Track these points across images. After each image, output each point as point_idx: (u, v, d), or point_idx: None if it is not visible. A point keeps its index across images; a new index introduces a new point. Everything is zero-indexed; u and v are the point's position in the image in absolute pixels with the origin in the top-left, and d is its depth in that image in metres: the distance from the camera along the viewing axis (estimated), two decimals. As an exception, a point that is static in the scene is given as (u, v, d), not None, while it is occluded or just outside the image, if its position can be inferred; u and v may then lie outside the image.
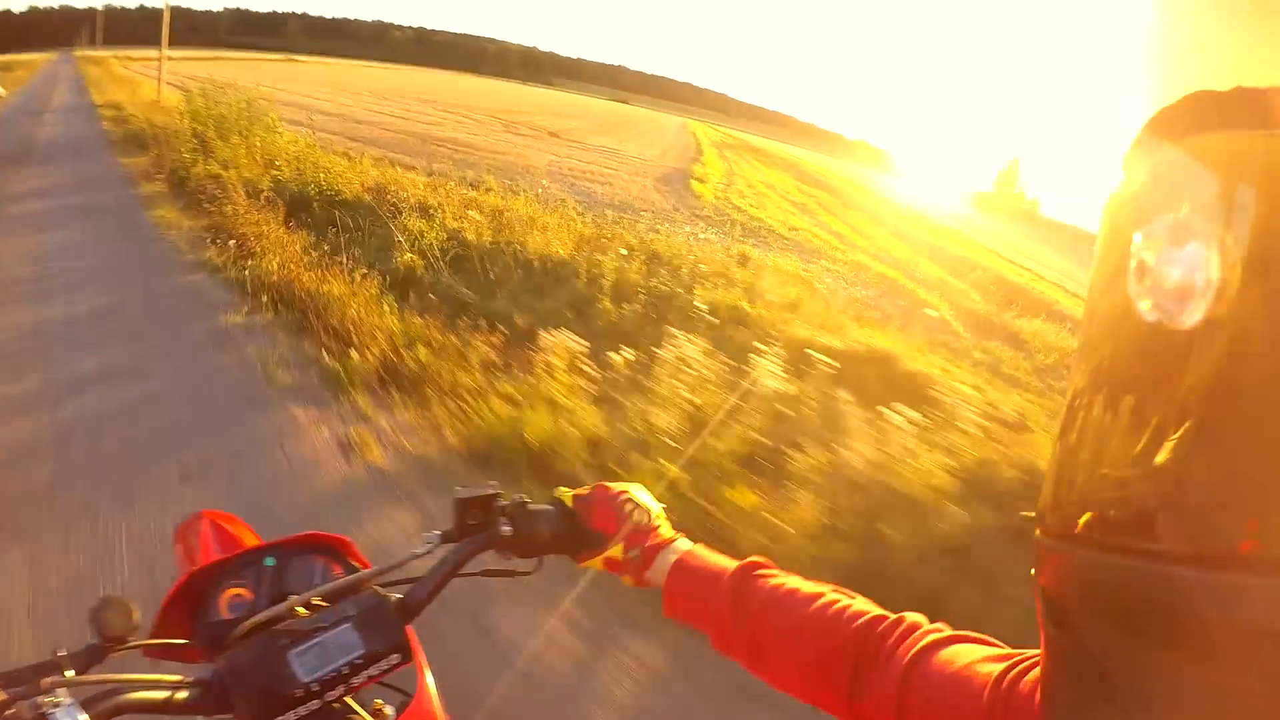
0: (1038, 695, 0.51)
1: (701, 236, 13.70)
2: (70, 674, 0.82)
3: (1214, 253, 0.29)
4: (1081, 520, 0.36)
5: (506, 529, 1.05)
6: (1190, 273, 0.30)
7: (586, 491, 1.09)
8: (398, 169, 13.16)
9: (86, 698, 0.76)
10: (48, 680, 0.77)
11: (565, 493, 1.11)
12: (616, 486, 1.09)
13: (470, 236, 8.02)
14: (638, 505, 1.05)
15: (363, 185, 10.10)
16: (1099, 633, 0.35)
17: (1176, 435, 0.30)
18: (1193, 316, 0.30)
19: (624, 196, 18.13)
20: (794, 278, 11.24)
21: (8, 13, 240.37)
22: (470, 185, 12.86)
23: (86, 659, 0.87)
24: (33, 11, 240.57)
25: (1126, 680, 0.33)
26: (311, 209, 8.67)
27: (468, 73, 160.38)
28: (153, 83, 28.23)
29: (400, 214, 8.52)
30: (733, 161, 40.89)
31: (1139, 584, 0.32)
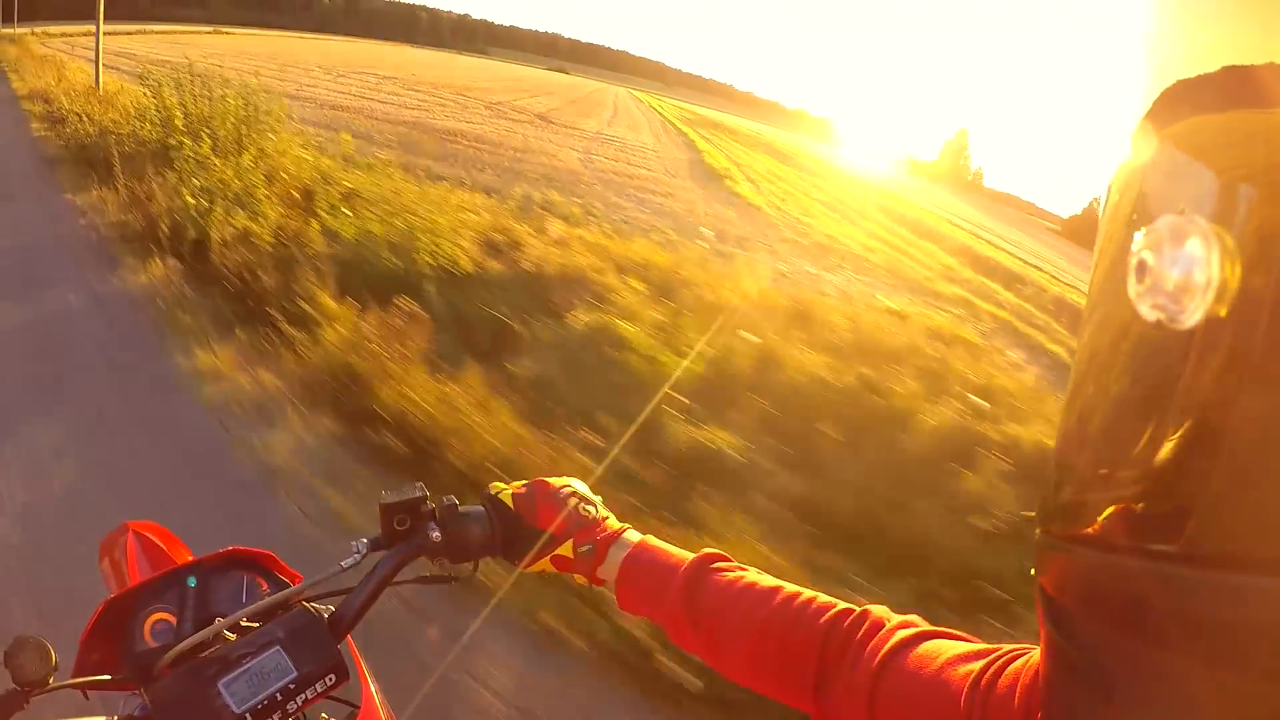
0: (1017, 694, 0.55)
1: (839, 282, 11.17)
2: None
3: (1213, 252, 0.28)
4: (1082, 520, 0.35)
5: (436, 534, 0.98)
6: (1189, 272, 0.29)
7: (524, 489, 1.03)
8: (445, 187, 9.78)
9: None
10: None
11: (501, 489, 1.04)
12: (556, 481, 1.04)
13: (739, 361, 4.97)
14: (582, 498, 1.01)
15: (471, 235, 6.74)
16: (1099, 633, 0.35)
17: (1176, 435, 0.30)
18: (1193, 316, 0.29)
19: (701, 215, 15.40)
20: (958, 338, 9.20)
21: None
22: (552, 212, 9.94)
23: (6, 706, 0.84)
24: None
25: (1126, 680, 0.33)
26: (426, 297, 5.25)
27: (404, 43, 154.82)
28: (82, 63, 24.14)
29: (552, 293, 5.58)
30: (720, 145, 39.61)
31: (1139, 584, 0.32)
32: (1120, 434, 0.33)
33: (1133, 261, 0.32)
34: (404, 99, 27.42)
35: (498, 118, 27.24)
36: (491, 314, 5.16)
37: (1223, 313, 0.28)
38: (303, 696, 0.91)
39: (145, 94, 11.12)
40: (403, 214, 6.93)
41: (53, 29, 44.61)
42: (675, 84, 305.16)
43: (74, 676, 0.95)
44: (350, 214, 6.61)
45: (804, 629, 0.75)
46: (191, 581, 1.04)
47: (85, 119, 12.32)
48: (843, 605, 0.77)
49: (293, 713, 0.90)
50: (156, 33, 58.83)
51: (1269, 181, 0.28)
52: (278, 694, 0.89)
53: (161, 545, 1.41)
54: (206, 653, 0.91)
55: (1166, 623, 0.31)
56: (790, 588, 0.82)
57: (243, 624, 0.96)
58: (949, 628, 0.70)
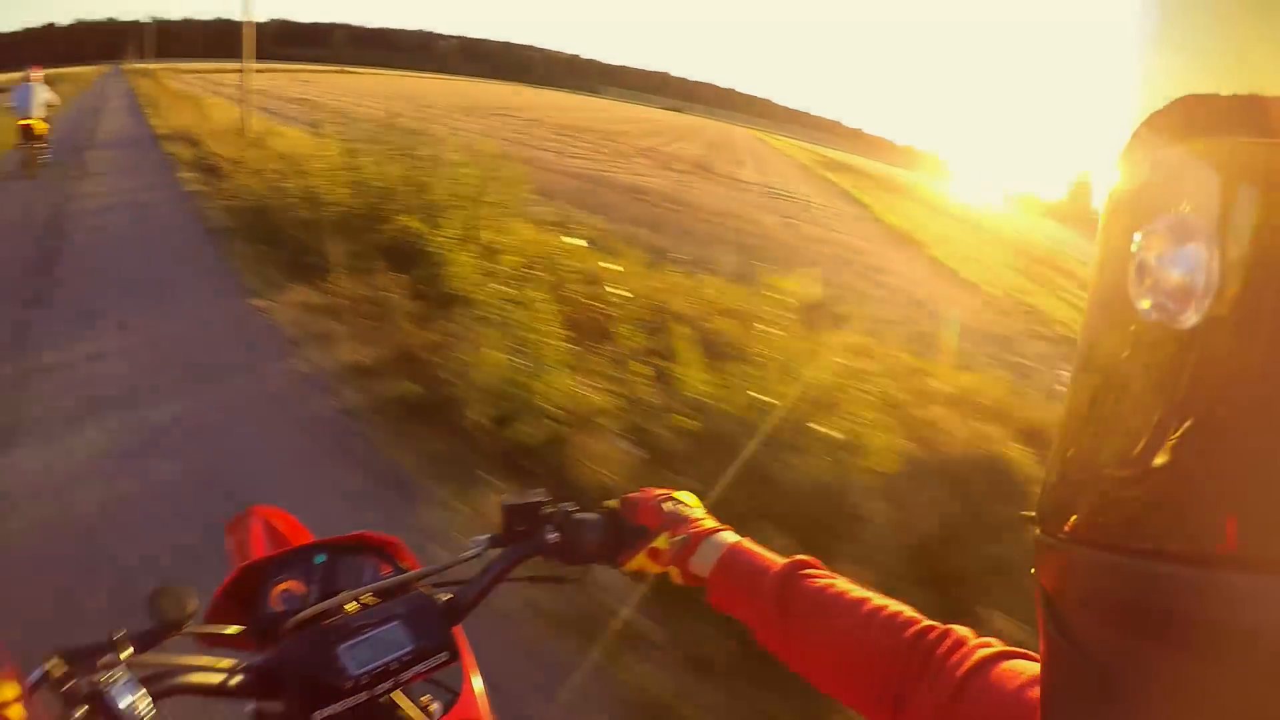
0: None
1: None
2: (128, 653, 0.80)
3: (1214, 252, 0.29)
4: (1081, 520, 0.35)
5: (553, 536, 1.02)
6: (1190, 273, 0.29)
7: (635, 494, 1.07)
8: (712, 282, 7.37)
9: (144, 675, 0.78)
10: (107, 658, 0.78)
11: (613, 503, 1.06)
12: (660, 490, 1.07)
13: None
14: (680, 501, 1.04)
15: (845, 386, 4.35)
16: (1098, 632, 0.34)
17: (1176, 435, 0.30)
18: (1192, 316, 0.29)
19: (941, 301, 12.98)
20: None
21: (53, 26, 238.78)
22: (832, 311, 7.55)
23: (144, 641, 0.84)
24: (79, 25, 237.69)
25: (1125, 680, 0.33)
26: (885, 536, 2.89)
27: (520, 83, 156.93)
28: (219, 100, 23.09)
29: (986, 496, 3.05)
30: (875, 196, 36.88)
31: (1138, 584, 0.32)
32: (1119, 433, 0.33)
33: (1132, 262, 0.32)
34: (559, 144, 25.91)
35: (661, 168, 25.68)
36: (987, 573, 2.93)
37: (1223, 312, 0.28)
38: (413, 670, 0.93)
39: (322, 143, 9.19)
40: (732, 338, 4.67)
41: (183, 66, 44.72)
42: (784, 121, 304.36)
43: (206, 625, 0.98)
44: (694, 362, 4.25)
45: (888, 640, 0.74)
46: (320, 559, 1.09)
47: (245, 169, 10.50)
48: (927, 621, 0.76)
49: (402, 683, 0.92)
50: (283, 70, 59.38)
51: (1270, 184, 0.28)
52: (392, 663, 0.91)
53: (284, 530, 1.41)
54: (328, 621, 0.94)
55: (1165, 622, 0.30)
56: (878, 599, 0.80)
57: (363, 599, 0.99)
58: (1028, 649, 0.67)
